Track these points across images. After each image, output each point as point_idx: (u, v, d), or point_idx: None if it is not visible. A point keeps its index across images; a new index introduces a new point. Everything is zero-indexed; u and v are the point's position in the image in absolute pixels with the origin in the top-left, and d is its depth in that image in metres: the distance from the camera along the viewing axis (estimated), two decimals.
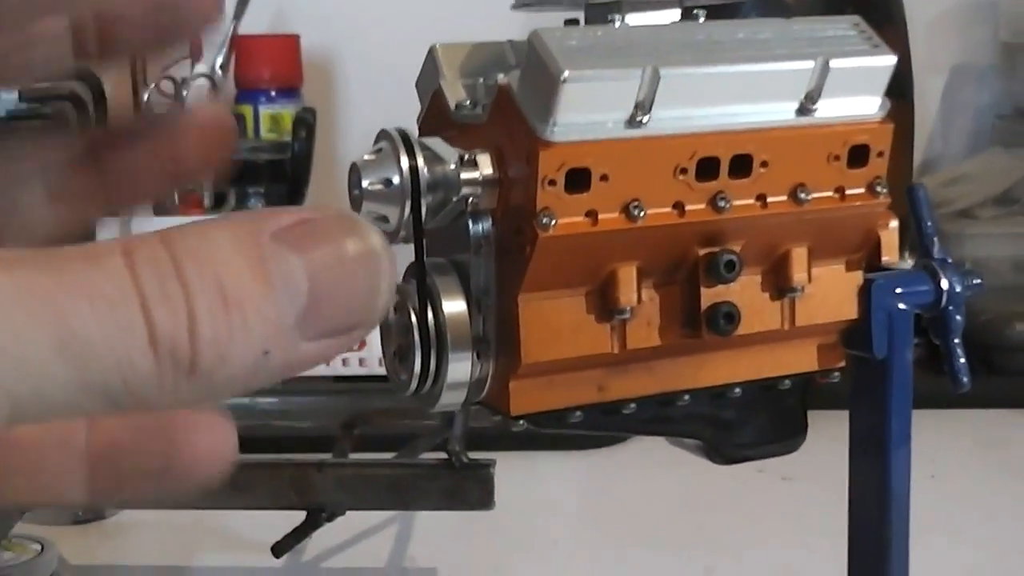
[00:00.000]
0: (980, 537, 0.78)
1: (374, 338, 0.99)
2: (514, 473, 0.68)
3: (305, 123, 1.15)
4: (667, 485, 0.84)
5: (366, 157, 0.39)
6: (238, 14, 1.24)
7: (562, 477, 0.86)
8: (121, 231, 1.08)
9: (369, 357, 0.97)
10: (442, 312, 0.39)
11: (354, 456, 0.72)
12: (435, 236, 0.40)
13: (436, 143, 0.39)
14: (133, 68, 1.20)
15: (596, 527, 0.82)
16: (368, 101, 1.35)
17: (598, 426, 0.41)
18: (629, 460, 0.87)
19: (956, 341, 0.47)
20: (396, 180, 0.38)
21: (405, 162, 0.38)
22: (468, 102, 0.41)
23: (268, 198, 1.14)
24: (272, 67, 1.24)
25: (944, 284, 0.46)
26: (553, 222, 0.36)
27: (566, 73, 0.35)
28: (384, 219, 0.39)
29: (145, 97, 1.17)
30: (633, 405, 0.41)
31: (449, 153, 0.39)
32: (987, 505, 0.83)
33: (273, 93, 1.23)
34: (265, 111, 1.23)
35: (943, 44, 1.37)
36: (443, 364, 0.39)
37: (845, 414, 0.46)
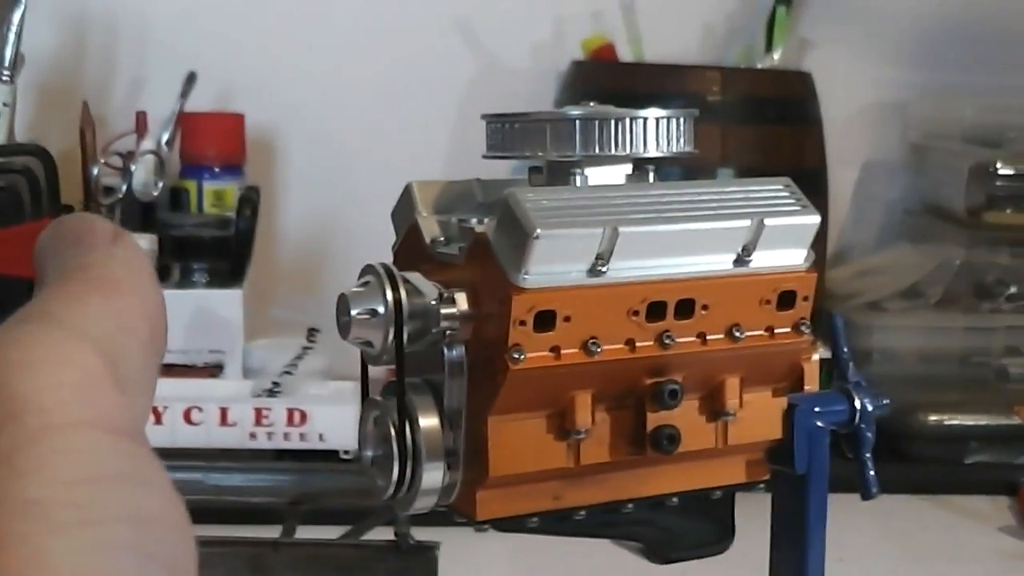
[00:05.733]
0: None
1: (315, 414, 1.03)
2: (459, 550, 0.73)
3: (250, 202, 1.20)
4: (622, 557, 0.88)
5: (354, 289, 0.44)
6: (185, 92, 1.29)
7: (507, 555, 0.90)
8: None
9: (310, 432, 1.01)
10: (418, 427, 0.44)
11: (305, 530, 0.77)
12: (413, 357, 0.45)
13: (417, 278, 0.44)
14: (82, 143, 1.24)
15: None
16: (308, 179, 1.40)
17: (552, 530, 0.46)
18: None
19: (868, 455, 0.53)
20: (381, 311, 0.43)
21: (390, 295, 0.43)
22: (443, 238, 0.46)
23: (211, 273, 1.18)
24: (217, 144, 1.29)
25: (858, 404, 0.52)
26: (522, 356, 0.42)
27: (538, 231, 0.41)
28: (369, 344, 0.44)
29: (94, 172, 1.21)
30: (583, 512, 0.46)
31: (429, 289, 0.44)
32: None
33: (217, 169, 1.27)
34: (209, 187, 1.27)
35: (856, 141, 1.45)
36: (418, 473, 0.44)
37: None
